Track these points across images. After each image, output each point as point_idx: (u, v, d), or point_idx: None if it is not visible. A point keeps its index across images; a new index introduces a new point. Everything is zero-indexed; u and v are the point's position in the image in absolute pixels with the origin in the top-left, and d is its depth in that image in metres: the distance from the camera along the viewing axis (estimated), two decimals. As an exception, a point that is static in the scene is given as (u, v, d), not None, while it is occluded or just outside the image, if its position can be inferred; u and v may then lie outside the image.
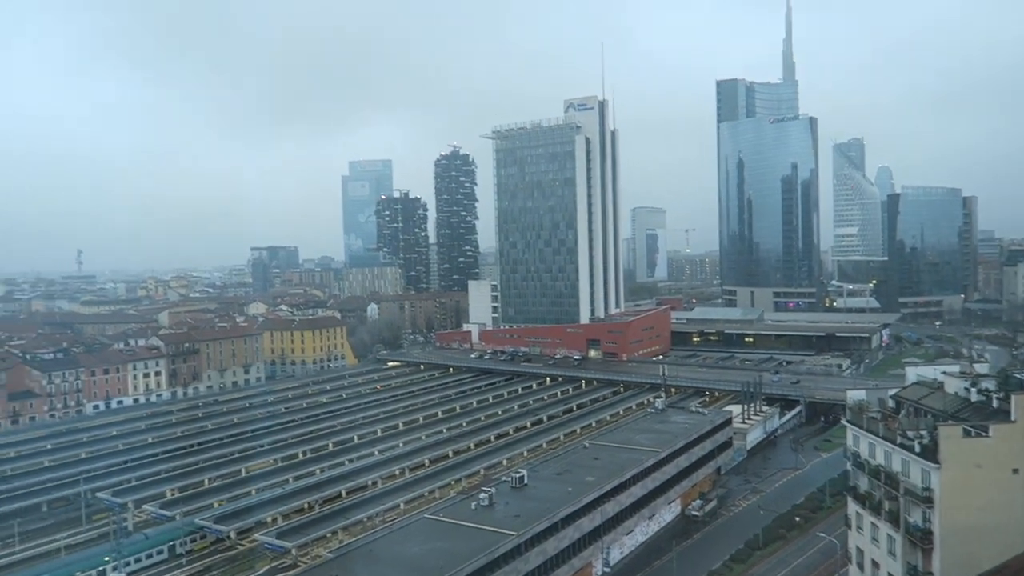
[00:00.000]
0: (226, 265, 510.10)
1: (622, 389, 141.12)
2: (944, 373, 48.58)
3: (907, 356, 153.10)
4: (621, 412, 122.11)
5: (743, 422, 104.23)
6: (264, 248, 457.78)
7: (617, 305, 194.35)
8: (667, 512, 78.76)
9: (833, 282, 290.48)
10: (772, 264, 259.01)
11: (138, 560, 67.55)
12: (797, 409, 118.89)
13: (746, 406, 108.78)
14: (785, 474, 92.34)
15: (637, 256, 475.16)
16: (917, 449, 39.63)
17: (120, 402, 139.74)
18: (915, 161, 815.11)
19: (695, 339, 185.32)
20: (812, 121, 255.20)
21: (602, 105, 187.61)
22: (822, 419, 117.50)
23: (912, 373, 53.05)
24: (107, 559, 64.89)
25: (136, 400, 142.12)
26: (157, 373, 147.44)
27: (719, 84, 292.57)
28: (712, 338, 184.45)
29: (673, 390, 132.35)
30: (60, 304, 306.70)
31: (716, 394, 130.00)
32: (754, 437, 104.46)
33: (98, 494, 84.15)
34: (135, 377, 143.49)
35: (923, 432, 40.36)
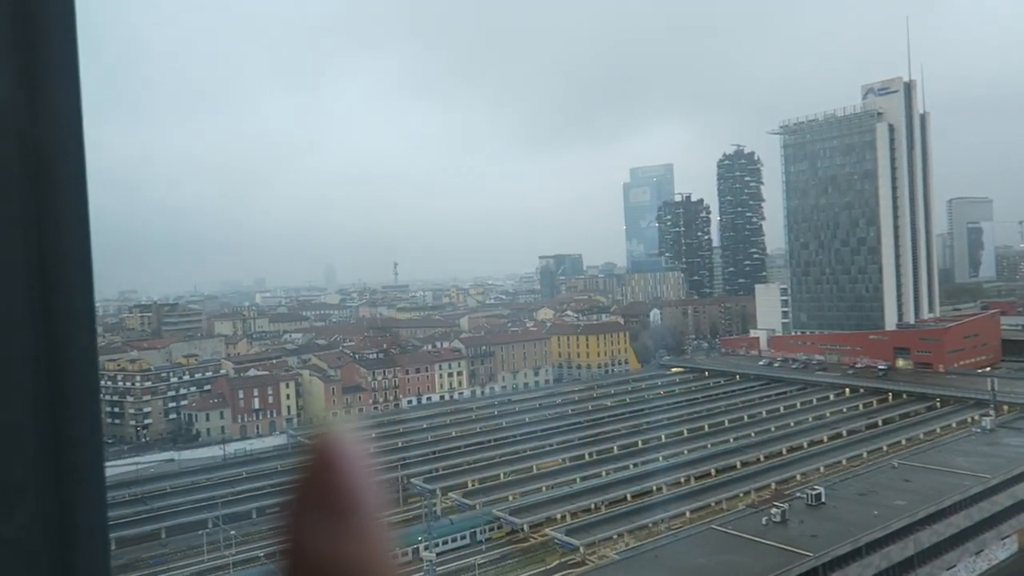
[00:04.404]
0: (517, 273, 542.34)
1: (938, 404, 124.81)
2: None
3: None
4: (938, 430, 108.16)
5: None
6: (551, 257, 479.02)
7: (931, 309, 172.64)
8: (999, 549, 68.04)
9: None
10: None
11: (444, 543, 74.58)
12: None
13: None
14: None
15: (956, 254, 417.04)
16: None
17: (428, 398, 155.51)
18: None
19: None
20: None
21: (907, 87, 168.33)
22: None
23: None
24: (420, 538, 72.53)
25: (441, 397, 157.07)
26: (459, 373, 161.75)
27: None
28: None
29: (1006, 407, 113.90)
30: (381, 311, 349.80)
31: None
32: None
33: (412, 480, 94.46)
34: (440, 376, 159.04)
35: None
